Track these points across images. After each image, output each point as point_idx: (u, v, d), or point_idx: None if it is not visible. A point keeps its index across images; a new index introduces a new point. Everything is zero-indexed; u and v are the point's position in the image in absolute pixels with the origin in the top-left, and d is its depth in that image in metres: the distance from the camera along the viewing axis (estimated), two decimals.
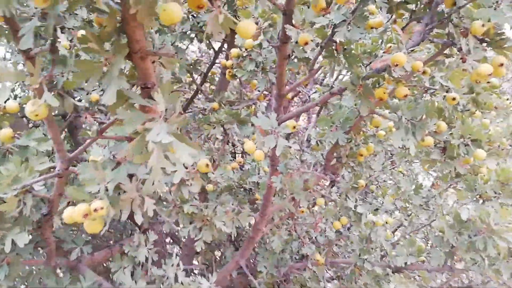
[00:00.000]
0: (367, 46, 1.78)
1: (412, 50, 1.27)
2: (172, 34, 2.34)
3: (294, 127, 1.57)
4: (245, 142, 1.53)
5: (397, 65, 1.15)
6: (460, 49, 1.22)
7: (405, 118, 1.44)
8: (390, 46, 1.76)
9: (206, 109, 2.47)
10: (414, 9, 1.52)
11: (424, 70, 1.62)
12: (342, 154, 1.97)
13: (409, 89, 1.56)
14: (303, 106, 1.71)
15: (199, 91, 2.67)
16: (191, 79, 2.66)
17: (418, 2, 1.49)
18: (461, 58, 1.21)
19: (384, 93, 1.29)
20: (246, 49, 1.74)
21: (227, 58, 2.33)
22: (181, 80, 2.46)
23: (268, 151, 1.64)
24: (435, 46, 1.39)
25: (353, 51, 1.62)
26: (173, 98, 0.97)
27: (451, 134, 1.64)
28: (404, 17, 1.62)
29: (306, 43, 1.29)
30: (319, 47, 1.64)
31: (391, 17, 1.56)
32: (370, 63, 1.64)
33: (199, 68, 2.62)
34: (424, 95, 1.73)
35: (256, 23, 1.54)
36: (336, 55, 1.63)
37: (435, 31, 1.42)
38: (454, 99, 1.54)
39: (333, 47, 1.61)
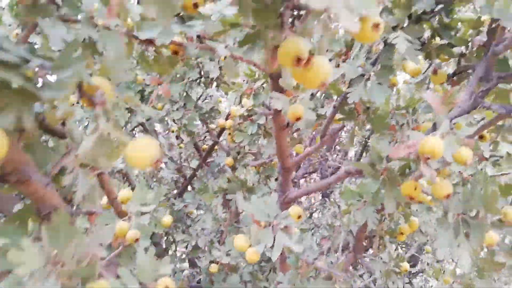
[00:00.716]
0: (401, 99, 1.36)
1: (455, 124, 0.85)
2: (182, 83, 2.08)
3: (299, 217, 1.18)
4: (235, 237, 1.18)
5: (429, 158, 0.74)
6: None
7: (454, 213, 1.00)
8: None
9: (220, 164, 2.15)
10: (463, 51, 1.10)
11: (482, 135, 1.17)
12: (376, 233, 1.54)
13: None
14: (315, 184, 1.32)
15: (216, 144, 2.37)
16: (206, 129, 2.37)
17: (469, 44, 1.07)
18: None
19: (416, 189, 0.87)
20: (246, 109, 1.40)
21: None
22: (193, 133, 2.18)
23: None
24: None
25: (379, 111, 1.22)
26: (70, 235, 0.65)
27: None
28: (449, 61, 1.20)
29: (298, 119, 0.92)
30: (332, 106, 1.26)
31: (430, 64, 1.14)
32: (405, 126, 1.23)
33: (216, 117, 2.32)
34: (482, 165, 1.27)
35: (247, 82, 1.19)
36: (357, 115, 1.24)
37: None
38: None
39: (351, 107, 1.22)
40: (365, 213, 1.38)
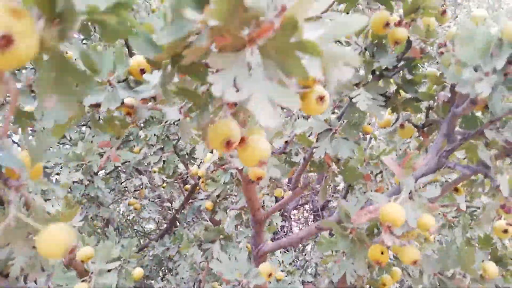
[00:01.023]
0: (374, 148, 1.34)
1: (422, 186, 0.82)
2: (159, 126, 2.05)
3: (270, 275, 1.13)
4: None
5: (390, 226, 0.70)
6: (497, 187, 0.75)
7: (429, 274, 0.95)
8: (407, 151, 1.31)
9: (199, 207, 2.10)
10: (431, 105, 1.08)
11: (457, 188, 1.14)
12: (357, 285, 1.48)
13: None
14: (288, 239, 1.28)
15: (197, 186, 2.32)
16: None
17: (435, 98, 1.06)
18: (501, 207, 0.73)
19: (383, 253, 0.83)
20: (218, 158, 1.37)
21: None
22: (172, 175, 2.14)
23: None
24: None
25: (350, 163, 1.19)
26: None
27: (506, 277, 1.11)
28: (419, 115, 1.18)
29: (260, 178, 0.89)
30: (303, 158, 1.23)
31: (398, 118, 1.12)
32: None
33: (196, 158, 2.29)
34: (459, 216, 1.23)
35: None
36: (328, 167, 1.21)
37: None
38: (506, 231, 1.04)
39: (322, 158, 1.20)
40: (343, 266, 1.33)
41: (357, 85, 0.97)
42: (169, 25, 0.36)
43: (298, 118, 1.64)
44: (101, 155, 1.77)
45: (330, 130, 1.05)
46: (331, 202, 4.30)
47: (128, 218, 3.47)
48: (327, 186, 1.23)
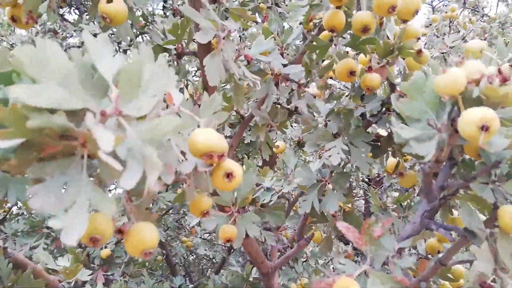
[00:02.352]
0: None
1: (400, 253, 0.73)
2: None
3: None
4: None
5: None
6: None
7: None
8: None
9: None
10: None
11: None
12: None
13: None
14: None
15: None
16: None
17: None
18: (481, 284, 0.61)
19: None
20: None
21: None
22: None
23: None
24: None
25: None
26: None
27: None
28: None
29: (229, 240, 0.86)
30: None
31: (397, 164, 1.02)
32: None
33: None
34: None
35: None
36: (332, 216, 1.14)
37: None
38: None
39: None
40: None
41: (337, 135, 0.91)
42: None
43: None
44: None
45: (320, 181, 0.99)
46: None
47: (193, 253, 3.59)
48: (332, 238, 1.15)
